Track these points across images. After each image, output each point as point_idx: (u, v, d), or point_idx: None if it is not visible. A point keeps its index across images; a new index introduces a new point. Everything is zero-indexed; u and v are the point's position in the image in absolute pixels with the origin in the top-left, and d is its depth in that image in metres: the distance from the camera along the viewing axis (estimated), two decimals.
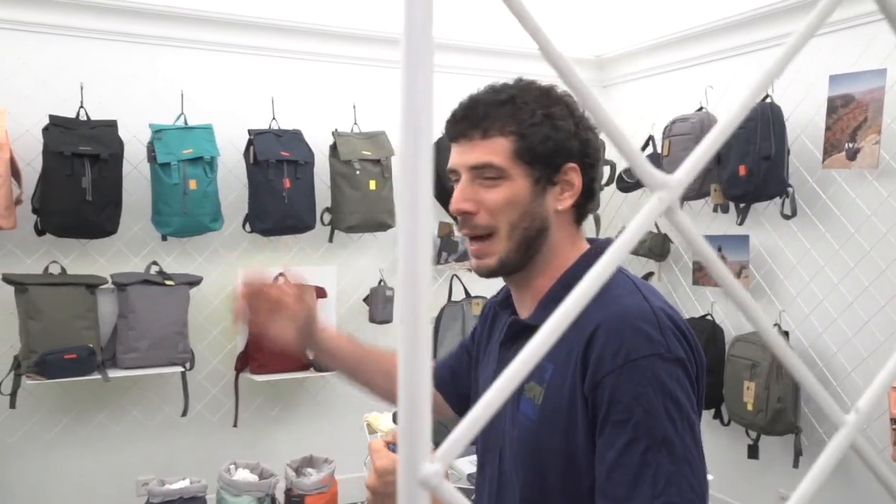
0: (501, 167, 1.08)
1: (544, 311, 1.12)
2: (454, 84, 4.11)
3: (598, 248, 1.17)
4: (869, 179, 3.04)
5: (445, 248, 3.95)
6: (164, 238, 3.46)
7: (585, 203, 1.15)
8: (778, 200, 3.28)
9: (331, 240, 3.81)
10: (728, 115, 0.29)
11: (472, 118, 1.09)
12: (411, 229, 0.24)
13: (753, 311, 0.30)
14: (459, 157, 1.11)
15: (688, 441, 0.99)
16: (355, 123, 3.84)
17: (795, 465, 3.14)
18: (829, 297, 3.21)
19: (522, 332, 1.17)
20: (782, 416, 3.08)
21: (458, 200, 1.09)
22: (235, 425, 3.67)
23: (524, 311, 1.19)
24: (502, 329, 1.23)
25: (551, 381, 1.08)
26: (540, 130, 1.08)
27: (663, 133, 3.70)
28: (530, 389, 1.11)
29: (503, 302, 1.26)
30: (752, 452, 3.14)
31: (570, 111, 1.12)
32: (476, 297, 3.92)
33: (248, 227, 3.61)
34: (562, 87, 1.14)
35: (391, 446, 1.10)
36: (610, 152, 4.15)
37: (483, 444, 1.25)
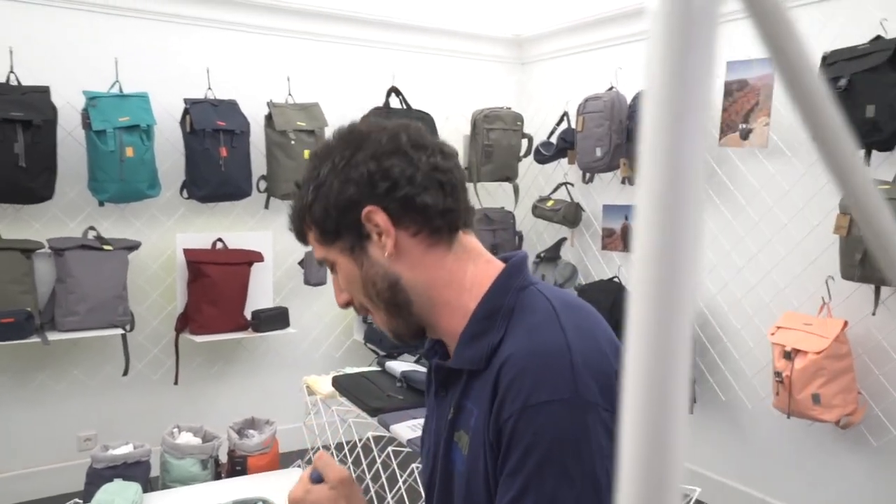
0: (326, 258, 1.02)
1: (465, 350, 0.96)
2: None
3: (513, 268, 0.98)
4: (759, 157, 3.12)
5: None
6: (101, 204, 3.30)
7: (427, 222, 0.96)
8: None
9: (267, 206, 3.72)
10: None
11: (295, 231, 1.06)
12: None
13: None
14: None
15: (585, 499, 0.83)
16: (290, 95, 3.72)
17: (691, 410, 3.21)
18: (722, 263, 3.27)
19: (449, 377, 1.01)
20: None
21: (336, 296, 1.05)
22: (176, 383, 3.58)
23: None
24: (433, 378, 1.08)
25: (475, 426, 0.93)
26: (315, 208, 0.98)
27: (577, 110, 3.69)
28: (459, 438, 0.96)
29: (430, 350, 1.09)
30: None
31: (341, 158, 0.96)
32: None
33: (185, 193, 3.48)
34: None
35: (314, 475, 1.07)
36: (528, 126, 4.13)
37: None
